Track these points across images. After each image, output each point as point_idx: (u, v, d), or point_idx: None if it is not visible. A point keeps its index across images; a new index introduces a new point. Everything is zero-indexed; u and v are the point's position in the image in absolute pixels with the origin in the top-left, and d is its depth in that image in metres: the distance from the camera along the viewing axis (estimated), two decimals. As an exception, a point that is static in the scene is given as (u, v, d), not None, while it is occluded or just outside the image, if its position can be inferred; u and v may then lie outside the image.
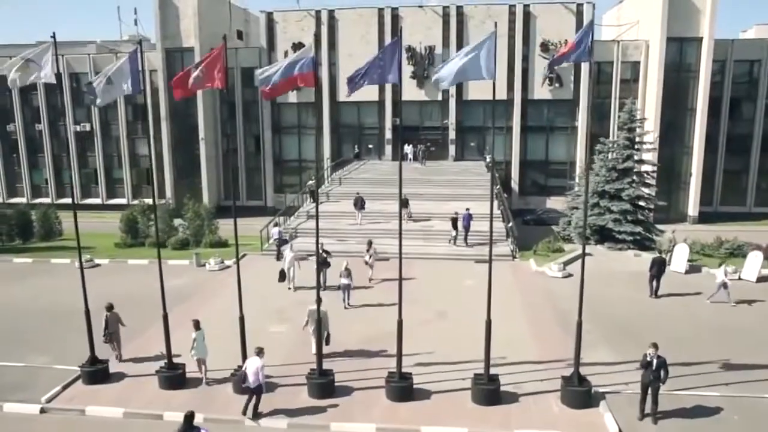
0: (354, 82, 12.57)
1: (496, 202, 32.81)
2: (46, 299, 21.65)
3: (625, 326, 18.31)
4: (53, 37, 13.68)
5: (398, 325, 13.69)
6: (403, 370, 13.95)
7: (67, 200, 51.35)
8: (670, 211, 41.79)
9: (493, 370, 13.95)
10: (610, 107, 44.91)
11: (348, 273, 20.68)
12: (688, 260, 24.08)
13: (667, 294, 21.40)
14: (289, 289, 21.95)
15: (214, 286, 22.93)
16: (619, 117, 33.60)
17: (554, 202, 45.76)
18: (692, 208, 43.85)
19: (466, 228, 27.41)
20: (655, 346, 12.44)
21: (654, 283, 21.39)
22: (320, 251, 17.84)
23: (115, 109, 49.02)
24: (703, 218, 43.38)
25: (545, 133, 46.62)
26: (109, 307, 15.99)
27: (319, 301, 15.87)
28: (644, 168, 31.94)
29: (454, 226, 27.61)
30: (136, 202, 48.95)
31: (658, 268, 21.38)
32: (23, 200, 51.36)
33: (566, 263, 24.04)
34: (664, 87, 42.53)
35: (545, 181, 47.33)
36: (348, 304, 20.46)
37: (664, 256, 22.49)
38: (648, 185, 30.46)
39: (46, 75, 13.62)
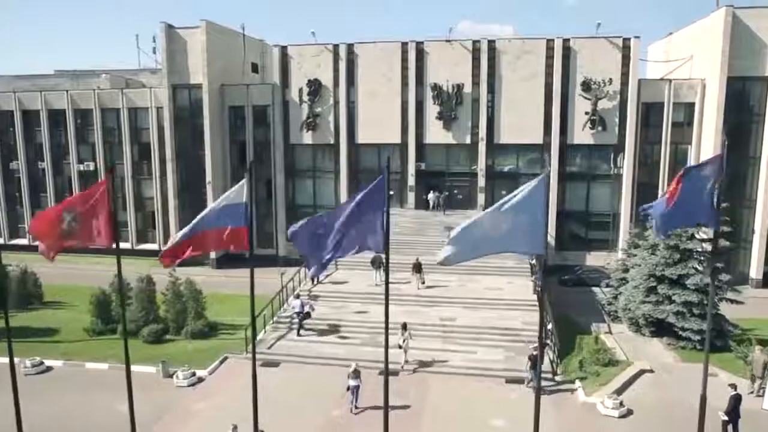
0: (317, 259, 8.37)
1: (532, 282, 28.47)
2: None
3: None
4: None
5: None
6: None
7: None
8: (728, 272, 36.55)
9: None
10: (661, 154, 40.05)
11: (356, 374, 18.44)
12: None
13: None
14: None
15: (176, 416, 18.53)
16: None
17: (595, 258, 41.04)
18: (755, 270, 38.48)
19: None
20: None
21: (730, 428, 16.55)
22: None
23: (121, 148, 46.05)
24: (768, 281, 38.06)
25: (586, 181, 41.83)
26: None
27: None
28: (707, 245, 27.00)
29: (534, 366, 19.48)
30: (140, 247, 46.76)
31: (736, 409, 16.50)
32: (24, 242, 48.76)
33: (621, 390, 19.28)
34: (723, 132, 37.47)
35: (585, 234, 42.49)
36: (356, 407, 18.44)
37: (740, 392, 17.26)
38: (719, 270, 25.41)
39: None
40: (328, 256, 8.62)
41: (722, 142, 8.08)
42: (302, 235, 8.78)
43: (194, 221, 9.01)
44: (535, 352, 19.81)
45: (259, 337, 23.60)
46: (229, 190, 9.67)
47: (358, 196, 8.52)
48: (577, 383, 20.01)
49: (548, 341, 22.18)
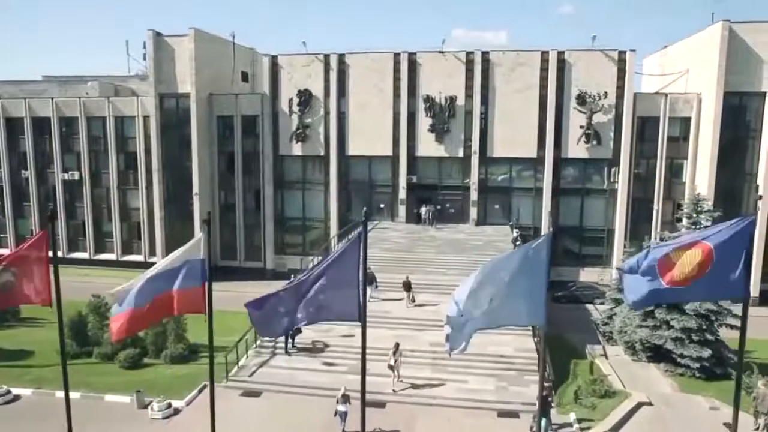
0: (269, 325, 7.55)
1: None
2: None
3: None
4: None
5: None
6: None
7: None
8: (725, 291, 35.94)
9: None
10: (656, 168, 39.43)
11: (346, 399, 18.02)
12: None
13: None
14: None
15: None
16: (680, 207, 28.03)
17: (589, 274, 40.46)
18: (752, 288, 37.67)
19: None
20: None
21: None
22: None
23: (107, 157, 45.02)
24: (766, 299, 37.41)
25: (580, 196, 41.14)
26: None
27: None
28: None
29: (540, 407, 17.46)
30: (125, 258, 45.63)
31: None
32: (7, 252, 47.58)
33: (618, 426, 18.39)
34: (719, 147, 36.89)
35: (579, 249, 41.71)
36: None
37: None
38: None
39: None
40: (285, 328, 7.79)
41: (755, 201, 7.29)
42: (260, 314, 7.90)
43: (141, 288, 8.04)
44: (543, 393, 18.94)
45: (241, 363, 22.58)
46: (181, 247, 8.73)
47: (330, 263, 7.66)
48: (575, 424, 18.91)
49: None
